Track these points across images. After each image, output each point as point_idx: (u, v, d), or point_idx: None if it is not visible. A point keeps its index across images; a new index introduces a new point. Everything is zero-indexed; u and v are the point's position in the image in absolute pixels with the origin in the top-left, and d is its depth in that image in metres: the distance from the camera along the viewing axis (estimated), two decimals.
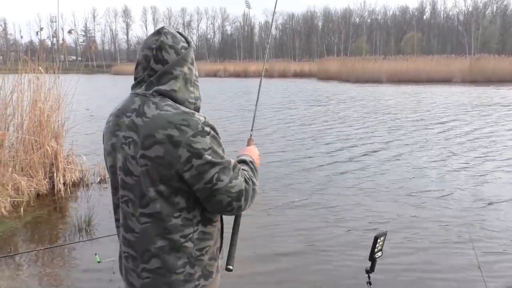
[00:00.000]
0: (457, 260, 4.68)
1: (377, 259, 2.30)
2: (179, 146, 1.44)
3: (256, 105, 2.45)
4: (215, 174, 1.49)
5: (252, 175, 1.69)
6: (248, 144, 2.08)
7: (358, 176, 8.03)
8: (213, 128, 1.53)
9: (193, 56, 1.65)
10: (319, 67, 47.71)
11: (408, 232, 5.44)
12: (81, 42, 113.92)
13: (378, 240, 2.29)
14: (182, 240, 1.53)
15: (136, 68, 1.61)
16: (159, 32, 1.58)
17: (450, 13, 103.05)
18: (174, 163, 1.45)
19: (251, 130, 2.28)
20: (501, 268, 4.45)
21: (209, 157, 1.47)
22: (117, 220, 1.67)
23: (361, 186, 7.43)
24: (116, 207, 1.67)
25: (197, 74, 1.68)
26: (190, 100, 1.60)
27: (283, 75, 52.08)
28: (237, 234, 1.73)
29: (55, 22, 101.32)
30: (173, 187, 1.49)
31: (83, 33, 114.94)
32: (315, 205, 6.47)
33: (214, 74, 56.35)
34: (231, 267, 1.59)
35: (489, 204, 6.47)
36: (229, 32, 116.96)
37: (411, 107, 18.84)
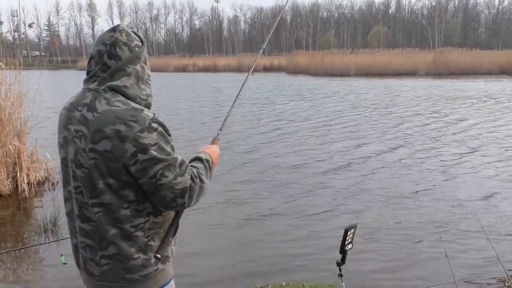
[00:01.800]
0: (424, 250, 4.81)
1: (347, 251, 2.33)
2: (126, 141, 1.48)
3: (232, 106, 2.44)
4: (159, 170, 1.53)
5: (202, 173, 1.72)
6: (212, 142, 2.10)
7: (328, 170, 8.12)
8: (161, 125, 1.56)
9: (147, 55, 1.69)
10: (289, 61, 47.94)
11: (378, 225, 5.55)
12: (44, 36, 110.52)
13: (348, 233, 2.32)
14: (133, 229, 1.58)
15: (89, 62, 1.63)
16: (114, 29, 1.61)
17: (414, 8, 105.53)
18: (121, 157, 1.49)
19: (220, 129, 2.26)
20: (466, 257, 4.61)
21: (154, 153, 1.51)
22: (69, 212, 1.68)
23: (331, 179, 7.52)
24: (66, 200, 1.69)
25: (149, 73, 1.71)
26: (142, 96, 1.64)
27: (253, 69, 51.90)
28: (175, 226, 1.73)
29: (17, 16, 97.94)
30: (121, 181, 1.53)
31: (46, 28, 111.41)
32: (288, 198, 6.50)
33: (183, 69, 55.74)
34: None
35: (455, 195, 6.67)
36: (197, 27, 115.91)
37: (389, 101, 19.03)
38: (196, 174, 1.68)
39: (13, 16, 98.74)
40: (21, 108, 7.06)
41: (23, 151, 6.91)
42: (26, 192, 6.71)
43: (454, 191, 6.76)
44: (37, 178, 7.13)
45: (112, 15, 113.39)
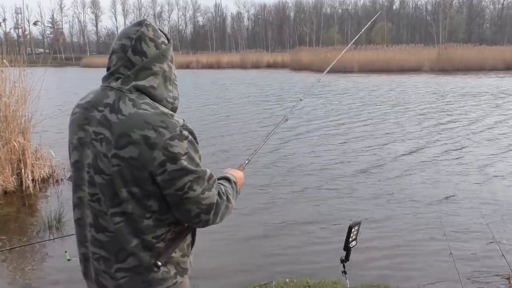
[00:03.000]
0: (429, 247, 4.79)
1: (351, 248, 2.32)
2: (155, 149, 1.37)
3: (267, 137, 2.36)
4: (188, 183, 1.42)
5: (230, 192, 1.63)
6: (238, 169, 1.99)
7: (336, 167, 8.10)
8: (191, 133, 1.45)
9: (173, 54, 1.57)
10: (292, 57, 47.80)
11: (382, 221, 5.53)
12: (48, 34, 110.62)
13: (353, 230, 2.30)
14: (154, 241, 1.48)
15: (110, 57, 1.50)
16: (140, 23, 1.49)
17: (418, 3, 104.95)
18: (148, 165, 1.38)
19: (248, 159, 2.20)
20: (470, 254, 4.59)
21: (185, 163, 1.40)
22: (78, 219, 1.56)
23: (339, 176, 7.50)
24: (75, 206, 1.56)
25: (175, 73, 1.59)
26: (169, 99, 1.52)
27: (256, 66, 52.01)
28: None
29: (20, 13, 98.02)
30: (146, 190, 1.42)
31: (50, 25, 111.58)
32: (292, 195, 6.50)
33: (187, 66, 55.66)
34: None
35: (461, 192, 6.64)
36: (201, 23, 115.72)
37: (404, 98, 18.80)
38: (224, 191, 1.58)
39: (17, 14, 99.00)
40: (26, 105, 7.07)
41: (28, 148, 6.93)
42: (31, 188, 6.73)
43: (459, 188, 6.73)
44: (41, 175, 7.15)
45: (115, 12, 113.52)
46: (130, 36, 1.46)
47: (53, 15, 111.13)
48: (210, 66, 54.86)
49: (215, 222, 1.56)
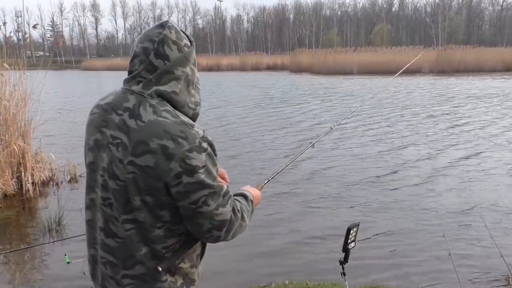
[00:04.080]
0: (428, 248, 4.80)
1: (350, 250, 2.33)
2: (172, 160, 1.33)
3: (288, 163, 2.35)
4: (203, 197, 1.38)
5: (245, 210, 1.60)
6: (256, 187, 1.92)
7: (338, 169, 8.11)
8: (210, 145, 1.41)
9: (195, 57, 1.52)
10: (292, 60, 47.85)
11: (381, 223, 5.54)
12: (48, 37, 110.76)
13: (351, 231, 2.30)
14: (164, 251, 1.46)
15: (131, 60, 1.46)
16: (162, 26, 1.44)
17: (417, 5, 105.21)
18: (164, 176, 1.34)
19: (268, 180, 2.17)
20: (469, 255, 4.60)
21: (202, 177, 1.36)
22: (89, 221, 1.54)
23: (336, 176, 7.51)
24: (87, 207, 1.54)
25: (198, 77, 1.54)
26: (190, 105, 1.48)
27: (256, 68, 52.08)
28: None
29: (20, 16, 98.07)
30: (159, 200, 1.39)
31: (50, 28, 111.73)
32: (291, 196, 6.50)
33: None
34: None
35: (459, 193, 6.65)
36: (200, 26, 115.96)
37: (412, 100, 18.74)
38: (239, 209, 1.54)
39: (17, 17, 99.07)
40: (26, 108, 7.09)
41: (28, 151, 6.94)
42: (31, 192, 6.74)
43: (458, 189, 6.74)
44: (41, 178, 7.16)
45: (115, 15, 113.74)
46: (153, 39, 1.42)
47: (53, 18, 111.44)
48: (209, 69, 54.91)
49: (227, 239, 1.52)
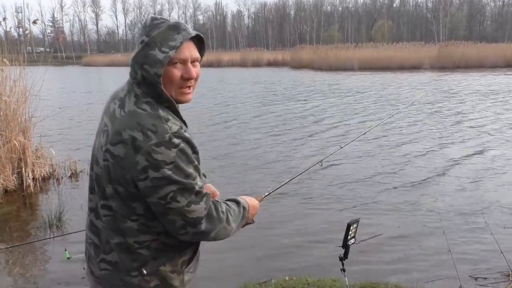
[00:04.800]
0: (428, 244, 4.80)
1: (350, 246, 2.33)
2: (139, 152, 1.32)
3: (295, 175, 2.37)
4: (170, 193, 1.35)
5: (232, 214, 1.56)
6: (256, 198, 1.89)
7: (333, 164, 8.10)
8: (186, 141, 1.38)
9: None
10: (293, 56, 47.72)
11: (381, 219, 5.54)
12: (49, 33, 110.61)
13: (351, 227, 2.30)
14: (136, 245, 1.44)
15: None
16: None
17: (419, 1, 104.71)
18: (130, 168, 1.34)
19: (269, 192, 2.16)
20: (469, 251, 4.60)
21: (168, 172, 1.33)
22: (90, 200, 1.56)
23: (336, 174, 7.51)
24: (91, 190, 1.56)
25: None
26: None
27: (256, 64, 51.93)
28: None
29: (21, 12, 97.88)
30: (130, 192, 1.38)
31: (50, 24, 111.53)
32: (290, 193, 6.50)
33: None
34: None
35: (460, 190, 6.65)
36: (201, 22, 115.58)
37: (422, 97, 18.32)
38: (224, 210, 1.52)
39: (18, 13, 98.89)
40: (26, 104, 7.08)
41: (28, 147, 6.94)
42: (31, 187, 6.74)
43: (458, 185, 6.73)
44: (42, 174, 7.15)
45: (116, 10, 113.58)
46: (143, 40, 1.45)
47: (53, 14, 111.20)
48: (210, 65, 54.76)
49: (209, 237, 1.47)
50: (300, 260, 4.51)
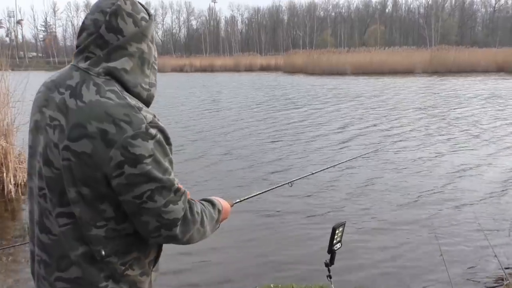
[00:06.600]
0: (419, 249, 4.68)
1: (336, 251, 2.20)
2: (112, 147, 1.16)
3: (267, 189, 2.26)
4: (147, 191, 1.21)
5: (207, 216, 1.43)
6: (227, 202, 1.73)
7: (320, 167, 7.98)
8: (161, 131, 1.23)
9: (154, 33, 1.37)
10: (286, 60, 47.86)
11: (370, 223, 5.42)
12: (41, 38, 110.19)
13: (337, 231, 2.18)
14: (104, 254, 1.26)
15: (79, 35, 1.29)
16: None
17: (411, 6, 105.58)
18: (102, 165, 1.17)
19: (240, 200, 2.07)
20: (462, 256, 4.49)
21: (147, 168, 1.19)
22: (30, 212, 1.37)
23: (322, 177, 7.40)
24: (28, 197, 1.38)
25: (156, 55, 1.38)
26: (144, 85, 1.30)
27: (249, 69, 52.04)
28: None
29: (13, 17, 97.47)
30: (98, 192, 1.21)
31: (43, 29, 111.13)
32: (277, 198, 6.37)
33: (180, 69, 55.59)
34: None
35: (452, 193, 6.55)
36: (194, 27, 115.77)
37: (423, 101, 18.51)
38: (199, 211, 1.38)
39: (10, 17, 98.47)
40: (8, 106, 6.90)
41: (10, 152, 6.75)
42: (13, 193, 6.55)
43: (451, 188, 6.64)
44: (24, 179, 6.95)
45: None
46: (104, 10, 1.25)
47: (46, 19, 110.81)
48: (203, 70, 54.80)
49: (183, 240, 1.34)
50: (286, 267, 4.36)
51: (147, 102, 1.33)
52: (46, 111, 1.27)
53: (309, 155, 8.89)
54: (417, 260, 4.42)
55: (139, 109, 1.22)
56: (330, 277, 2.27)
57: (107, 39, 1.25)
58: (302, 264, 4.39)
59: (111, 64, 1.25)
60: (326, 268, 2.25)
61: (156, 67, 1.39)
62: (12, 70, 7.72)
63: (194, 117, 14.81)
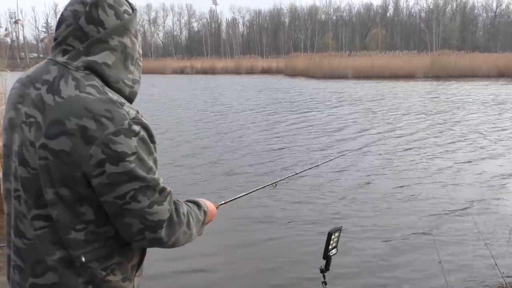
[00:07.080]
0: (417, 256, 4.61)
1: (331, 257, 2.14)
2: (93, 144, 1.10)
3: (251, 190, 2.26)
4: (131, 191, 1.15)
5: (193, 217, 1.38)
6: (213, 204, 1.69)
7: (319, 173, 7.94)
8: (145, 128, 1.18)
9: (137, 27, 1.32)
10: (287, 63, 47.91)
11: (367, 228, 5.35)
12: (42, 38, 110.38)
13: (333, 236, 2.12)
14: (84, 258, 1.20)
15: (57, 28, 1.23)
16: None
17: (412, 10, 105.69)
18: (82, 164, 1.11)
19: (225, 202, 2.03)
20: (461, 263, 4.42)
21: (130, 166, 1.13)
22: (7, 215, 1.31)
23: (318, 182, 7.34)
24: (4, 198, 1.31)
25: (140, 52, 1.33)
26: (127, 81, 1.25)
27: (250, 71, 52.07)
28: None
29: (15, 18, 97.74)
30: (78, 193, 1.15)
31: (44, 30, 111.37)
32: (270, 203, 6.31)
33: (181, 71, 55.70)
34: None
35: (451, 201, 6.49)
36: (196, 29, 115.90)
37: (437, 107, 18.05)
38: (185, 213, 1.33)
39: (11, 18, 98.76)
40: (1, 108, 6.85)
41: None
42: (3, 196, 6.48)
43: (450, 194, 6.58)
44: None
45: None
46: (85, 1, 1.19)
47: (47, 20, 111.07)
48: (204, 72, 54.83)
49: (167, 244, 1.28)
50: (280, 273, 4.29)
51: (130, 100, 1.27)
52: (21, 108, 1.21)
53: (310, 154, 8.85)
54: (414, 267, 4.35)
55: (121, 104, 1.17)
56: (325, 284, 2.22)
57: (86, 31, 1.19)
58: (296, 270, 4.32)
59: (91, 58, 1.19)
60: (321, 275, 2.20)
61: (141, 64, 1.35)
62: (12, 71, 7.70)
63: (194, 119, 14.77)
